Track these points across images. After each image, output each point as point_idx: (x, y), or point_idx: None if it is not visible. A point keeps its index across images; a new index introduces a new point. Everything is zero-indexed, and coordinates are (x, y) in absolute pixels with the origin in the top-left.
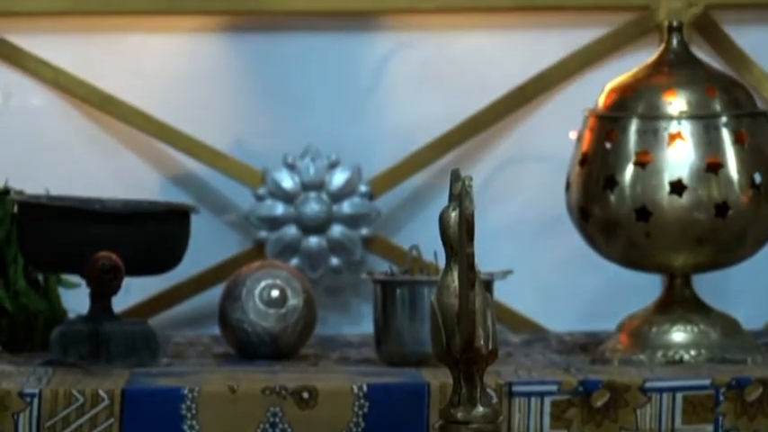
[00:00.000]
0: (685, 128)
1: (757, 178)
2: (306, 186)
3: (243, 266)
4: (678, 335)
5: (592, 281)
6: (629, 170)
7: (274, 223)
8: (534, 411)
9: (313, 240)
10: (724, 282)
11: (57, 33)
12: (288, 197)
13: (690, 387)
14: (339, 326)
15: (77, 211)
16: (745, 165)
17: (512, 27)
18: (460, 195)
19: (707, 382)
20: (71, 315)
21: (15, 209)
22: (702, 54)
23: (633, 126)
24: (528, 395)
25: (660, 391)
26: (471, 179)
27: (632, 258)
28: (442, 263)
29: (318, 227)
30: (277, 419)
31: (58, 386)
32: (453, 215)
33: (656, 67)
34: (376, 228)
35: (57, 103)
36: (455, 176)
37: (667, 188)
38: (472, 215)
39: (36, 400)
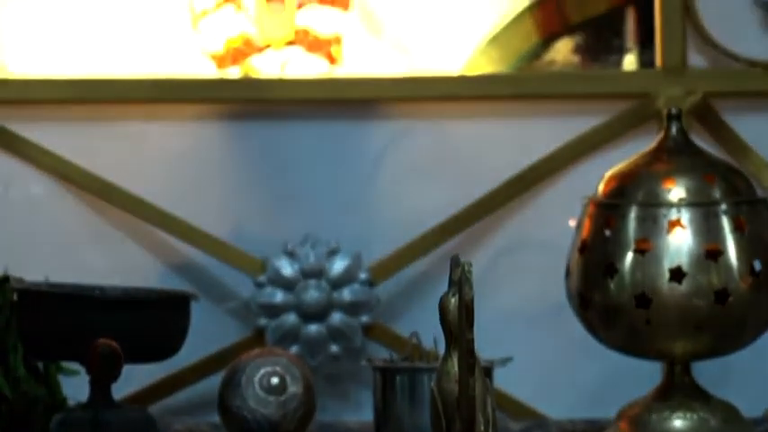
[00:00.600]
0: (685, 215)
1: (757, 265)
2: (306, 274)
3: (243, 353)
4: (678, 422)
5: (592, 368)
6: (629, 257)
7: (274, 311)
8: None
9: (313, 328)
10: (724, 369)
11: (57, 121)
12: (288, 285)
13: None
14: (339, 413)
15: (77, 299)
16: (745, 252)
17: (511, 115)
18: (460, 281)
19: None
20: (71, 402)
21: (15, 296)
22: (701, 142)
23: (633, 213)
24: None
25: None
26: (471, 265)
27: (632, 345)
28: (442, 349)
29: (318, 314)
30: None
31: None
32: (453, 301)
33: (656, 154)
34: (376, 315)
35: (56, 191)
36: (455, 262)
37: (667, 275)
38: (472, 301)
39: None
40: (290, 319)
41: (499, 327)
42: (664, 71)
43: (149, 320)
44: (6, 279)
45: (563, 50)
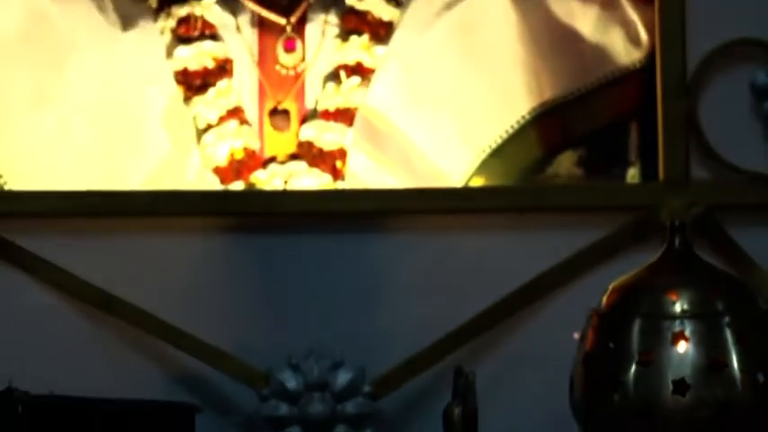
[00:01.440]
0: (688, 327)
1: (760, 378)
2: (310, 387)
3: None
4: None
5: None
6: (633, 370)
7: (279, 423)
8: None
9: None
10: None
11: (58, 234)
12: (292, 397)
13: None
14: None
15: (82, 412)
16: (749, 364)
17: (515, 228)
18: (464, 390)
19: None
20: None
21: (20, 409)
22: (705, 254)
23: (636, 326)
24: None
25: None
26: (474, 374)
27: None
28: None
29: (323, 427)
30: None
31: None
32: (457, 411)
33: (659, 267)
34: (380, 428)
35: (58, 304)
36: (458, 372)
37: (671, 387)
38: (475, 410)
39: None
40: (295, 431)
41: None
42: (667, 184)
43: None
44: (11, 392)
45: (566, 163)
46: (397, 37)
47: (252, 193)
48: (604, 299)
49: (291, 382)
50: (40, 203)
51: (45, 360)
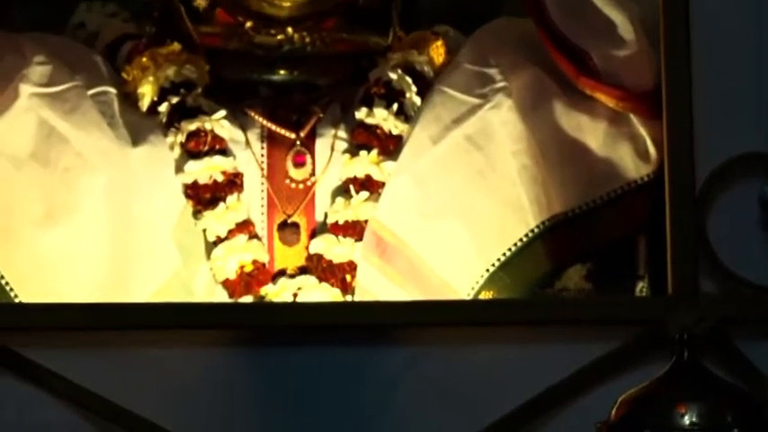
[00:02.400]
0: None
1: None
2: None
3: None
4: None
5: None
6: None
7: None
8: None
9: None
10: None
11: (70, 347)
12: None
13: None
14: None
15: None
16: None
17: (524, 341)
18: None
19: None
20: None
21: None
22: (714, 367)
23: None
24: None
25: None
26: None
27: None
28: None
29: None
30: None
31: None
32: None
33: (668, 379)
34: None
35: (70, 418)
36: None
37: None
38: None
39: None
40: None
41: None
42: (675, 297)
43: None
44: None
45: (575, 277)
46: (406, 151)
47: (261, 306)
48: (613, 412)
49: None
50: (50, 317)
51: None
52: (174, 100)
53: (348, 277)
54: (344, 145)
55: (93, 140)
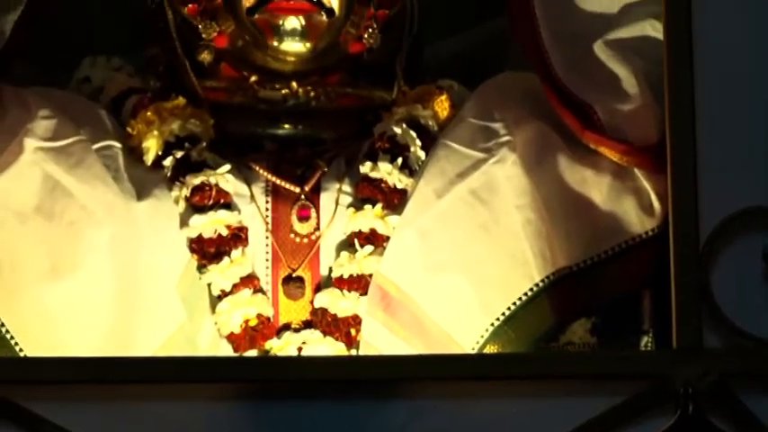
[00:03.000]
0: None
1: None
2: None
3: None
4: None
5: None
6: None
7: None
8: None
9: None
10: None
11: (74, 401)
12: None
13: None
14: None
15: None
16: None
17: (529, 395)
18: None
19: None
20: None
21: None
22: (718, 422)
23: None
24: None
25: None
26: None
27: None
28: None
29: None
30: None
31: None
32: None
33: None
34: None
35: None
36: None
37: None
38: None
39: None
40: None
41: None
42: (680, 352)
43: None
44: None
45: (579, 332)
46: (410, 205)
47: (266, 361)
48: None
49: None
50: (54, 370)
51: None
52: (179, 154)
53: (353, 331)
54: (349, 199)
55: (97, 194)
